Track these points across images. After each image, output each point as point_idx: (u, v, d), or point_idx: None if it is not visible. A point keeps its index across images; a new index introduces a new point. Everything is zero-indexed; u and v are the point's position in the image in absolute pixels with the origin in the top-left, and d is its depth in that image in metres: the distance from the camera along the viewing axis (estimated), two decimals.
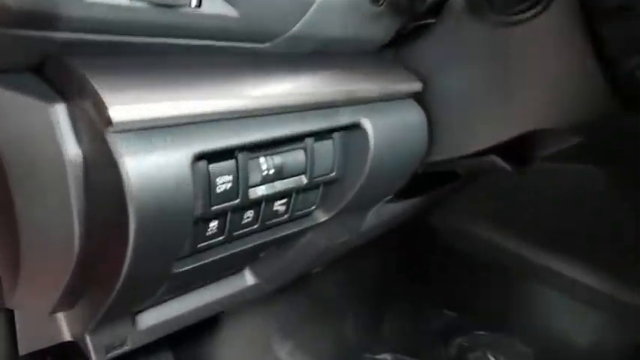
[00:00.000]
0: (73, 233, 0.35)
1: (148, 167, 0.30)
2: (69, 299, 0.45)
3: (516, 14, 0.41)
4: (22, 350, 0.53)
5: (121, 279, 0.36)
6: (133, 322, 0.52)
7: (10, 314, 0.53)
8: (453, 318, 1.07)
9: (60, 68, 0.32)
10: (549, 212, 0.87)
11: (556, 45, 0.42)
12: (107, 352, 0.52)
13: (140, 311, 0.53)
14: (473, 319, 1.04)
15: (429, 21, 0.50)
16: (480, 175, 0.73)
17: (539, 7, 0.40)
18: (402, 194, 0.58)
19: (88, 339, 0.49)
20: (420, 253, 1.11)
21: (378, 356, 1.09)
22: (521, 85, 0.45)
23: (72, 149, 0.32)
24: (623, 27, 0.37)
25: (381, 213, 0.59)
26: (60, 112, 0.32)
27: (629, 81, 0.39)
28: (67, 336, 0.52)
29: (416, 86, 0.49)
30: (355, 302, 1.15)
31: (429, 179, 0.64)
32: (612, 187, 0.70)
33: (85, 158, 0.32)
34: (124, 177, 0.29)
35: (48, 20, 0.28)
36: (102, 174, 0.32)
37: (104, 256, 0.36)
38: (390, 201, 0.58)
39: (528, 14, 0.40)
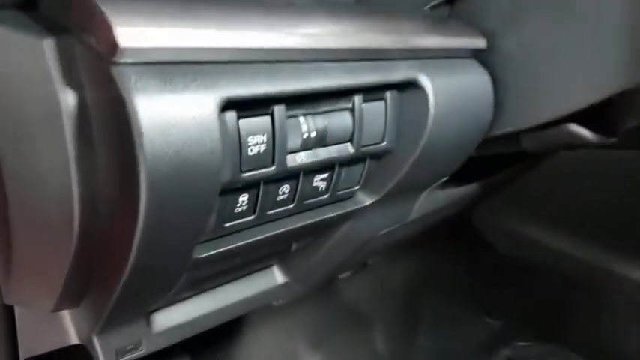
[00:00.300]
0: (72, 205, 0.28)
1: (165, 110, 0.23)
2: (73, 293, 0.39)
3: None
4: (24, 354, 0.47)
5: (131, 262, 0.29)
6: (148, 322, 0.46)
7: (10, 312, 0.47)
8: (497, 327, 0.99)
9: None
10: (609, 208, 0.78)
11: None
12: (118, 356, 0.45)
13: (156, 310, 0.46)
14: (519, 328, 0.96)
15: None
16: (541, 159, 0.65)
17: None
18: (454, 180, 0.51)
19: (95, 341, 0.43)
20: (461, 256, 1.03)
21: None
22: (608, 36, 0.37)
23: (69, 93, 0.25)
24: None
25: (431, 201, 0.52)
26: (54, 46, 0.25)
27: None
28: (73, 338, 0.46)
29: (479, 43, 0.41)
30: (389, 309, 1.08)
31: (482, 166, 0.56)
32: None
33: (85, 104, 0.25)
34: (134, 119, 0.22)
35: None
36: (107, 122, 0.25)
37: (111, 234, 0.30)
38: (443, 187, 0.51)
39: None
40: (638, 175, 0.72)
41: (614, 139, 0.43)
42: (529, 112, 0.42)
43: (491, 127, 0.44)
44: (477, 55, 0.42)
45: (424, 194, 0.49)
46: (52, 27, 0.27)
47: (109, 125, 0.25)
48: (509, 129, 0.44)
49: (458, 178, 0.51)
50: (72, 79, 0.26)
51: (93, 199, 0.28)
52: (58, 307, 0.40)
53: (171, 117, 0.24)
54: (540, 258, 0.88)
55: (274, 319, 0.96)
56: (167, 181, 0.25)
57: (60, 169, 0.27)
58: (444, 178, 0.48)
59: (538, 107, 0.41)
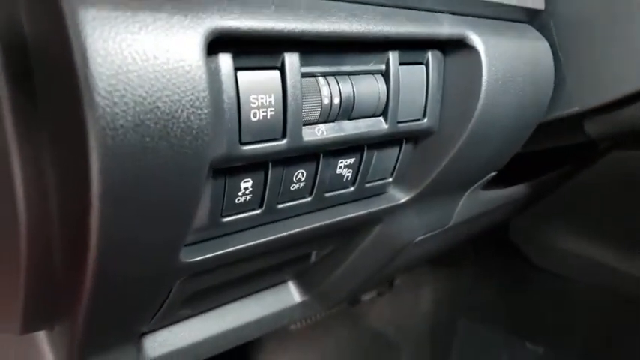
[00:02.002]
0: (15, 199, 0.21)
1: (127, 49, 0.16)
2: (39, 314, 0.32)
3: None
4: None
5: (92, 268, 0.21)
6: (139, 348, 0.38)
7: None
8: (538, 353, 0.88)
9: None
10: None
11: None
12: None
13: (148, 333, 0.38)
14: (563, 354, 0.86)
15: None
16: (597, 156, 0.56)
17: None
18: (499, 180, 0.43)
19: None
20: (498, 274, 0.92)
21: None
22: None
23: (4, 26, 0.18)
24: None
25: (475, 203, 0.44)
26: None
27: None
28: None
29: (537, 3, 0.34)
30: (417, 334, 0.98)
31: (528, 168, 0.48)
32: None
33: (22, 44, 0.19)
34: (81, 64, 0.15)
35: None
36: (49, 66, 0.18)
37: (65, 237, 0.22)
38: (487, 187, 0.42)
39: None
40: None
41: None
42: (594, 89, 0.34)
43: (550, 108, 0.36)
44: (533, 20, 0.35)
45: (467, 194, 0.41)
46: None
47: (54, 78, 0.18)
48: (572, 109, 0.36)
49: (503, 178, 0.43)
50: (9, 13, 0.19)
51: (39, 194, 0.21)
52: (26, 330, 0.33)
53: (135, 60, 0.17)
54: (587, 275, 0.78)
55: (292, 346, 0.87)
56: (129, 150, 0.17)
57: None
58: (493, 173, 0.39)
59: (602, 84, 0.33)
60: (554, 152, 0.49)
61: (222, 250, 0.26)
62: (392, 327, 0.98)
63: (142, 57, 0.17)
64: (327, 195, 0.30)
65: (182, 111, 0.18)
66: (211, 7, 0.19)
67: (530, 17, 0.35)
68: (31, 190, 0.21)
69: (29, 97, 0.19)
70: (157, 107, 0.18)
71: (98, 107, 0.16)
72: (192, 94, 0.18)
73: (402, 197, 0.35)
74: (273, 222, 0.29)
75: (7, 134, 0.20)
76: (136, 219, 0.20)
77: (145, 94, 0.17)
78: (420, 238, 0.41)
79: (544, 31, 0.35)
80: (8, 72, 0.19)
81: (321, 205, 0.31)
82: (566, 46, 0.35)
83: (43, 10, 0.17)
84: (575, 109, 0.36)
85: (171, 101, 0.18)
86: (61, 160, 0.20)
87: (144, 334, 0.38)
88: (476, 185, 0.41)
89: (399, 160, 0.32)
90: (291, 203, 0.28)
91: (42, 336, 0.37)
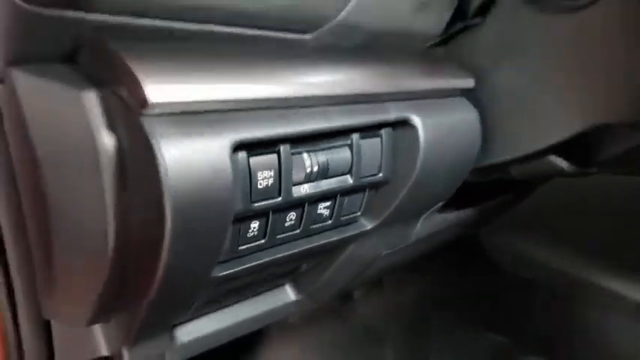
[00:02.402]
0: (107, 230, 0.33)
1: (186, 153, 0.28)
2: (105, 310, 0.43)
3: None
4: None
5: (158, 281, 0.34)
6: (171, 336, 0.50)
7: (47, 326, 0.52)
8: (500, 343, 1.01)
9: (94, 53, 0.31)
10: (610, 228, 0.80)
11: (622, 31, 0.39)
12: None
13: (178, 325, 0.51)
14: (522, 344, 0.98)
15: (476, 21, 0.48)
16: (536, 184, 0.68)
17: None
18: (452, 204, 0.55)
19: (125, 353, 0.47)
20: (466, 274, 1.05)
21: None
22: (582, 76, 0.41)
23: (106, 138, 0.30)
24: None
25: (430, 224, 0.56)
26: (92, 98, 0.30)
27: None
28: (103, 350, 0.50)
29: (468, 82, 0.46)
30: (396, 327, 1.10)
31: (481, 190, 0.60)
32: None
33: (119, 147, 0.31)
34: (160, 161, 0.27)
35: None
36: (137, 163, 0.30)
37: (141, 255, 0.35)
38: (440, 211, 0.55)
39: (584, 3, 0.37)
40: (635, 201, 0.75)
41: (594, 169, 0.47)
42: (513, 145, 0.46)
43: (480, 159, 0.48)
44: (466, 93, 0.47)
45: (422, 218, 0.54)
46: (90, 79, 0.32)
47: (139, 167, 0.30)
48: (496, 160, 0.48)
49: (457, 202, 0.55)
50: (108, 127, 0.31)
51: (125, 230, 0.33)
52: (91, 322, 0.44)
53: (190, 159, 0.29)
54: (543, 276, 0.91)
55: (291, 335, 1.00)
56: (188, 212, 0.29)
57: (98, 204, 0.32)
58: (440, 204, 0.52)
59: (521, 140, 0.46)
60: (500, 182, 0.61)
61: (239, 267, 0.39)
62: (377, 322, 1.10)
63: (196, 159, 0.29)
64: (312, 227, 0.42)
65: (219, 187, 0.30)
66: (233, 125, 0.31)
67: (464, 92, 0.47)
68: (119, 234, 0.33)
69: (122, 181, 0.32)
70: (204, 188, 0.30)
71: (171, 195, 0.28)
72: (226, 176, 0.30)
73: (369, 225, 0.47)
74: (273, 247, 0.41)
75: (107, 203, 0.32)
76: (190, 249, 0.32)
77: (198, 182, 0.29)
78: (385, 252, 0.54)
79: (475, 101, 0.47)
80: (110, 166, 0.31)
81: (308, 234, 0.43)
82: (491, 112, 0.47)
83: (135, 135, 0.29)
84: (501, 158, 0.48)
85: (212, 183, 0.30)
86: (142, 219, 0.32)
87: (175, 325, 0.51)
88: (429, 211, 0.53)
89: (364, 201, 0.44)
90: (286, 234, 0.41)
91: (97, 327, 0.50)
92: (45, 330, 0.50)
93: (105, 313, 0.44)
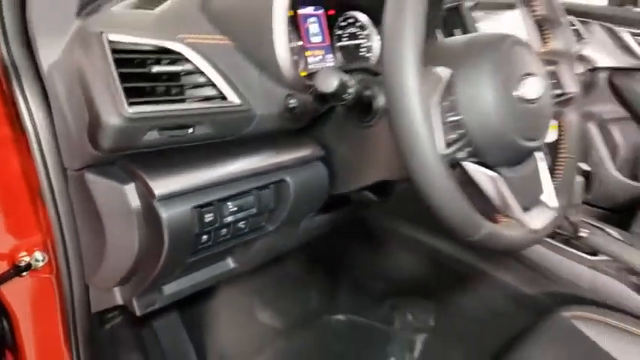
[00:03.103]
0: (133, 245, 0.70)
1: (173, 214, 0.65)
2: (125, 280, 0.80)
3: (367, 122, 0.76)
4: (93, 309, 0.86)
5: (159, 267, 0.72)
6: (160, 291, 0.87)
7: (86, 288, 0.87)
8: (385, 287, 1.42)
9: (126, 167, 0.67)
10: None
11: (389, 137, 0.77)
12: (145, 308, 0.86)
13: (164, 284, 0.89)
14: (397, 287, 1.41)
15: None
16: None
17: (375, 120, 0.75)
18: (323, 210, 0.95)
19: (134, 302, 0.83)
20: (364, 245, 1.49)
21: (333, 316, 1.46)
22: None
23: (137, 208, 0.67)
24: None
25: (311, 222, 0.96)
26: (129, 189, 0.67)
27: None
28: (120, 301, 0.86)
29: (321, 152, 0.84)
30: (318, 277, 1.49)
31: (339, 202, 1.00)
32: None
33: (143, 212, 0.67)
34: (163, 224, 0.65)
35: (124, 149, 0.63)
36: (150, 220, 0.67)
37: (150, 257, 0.72)
38: (315, 215, 0.94)
39: (372, 123, 0.75)
40: None
41: (386, 199, 0.87)
42: (346, 185, 0.85)
43: (331, 190, 0.87)
44: (321, 157, 0.85)
45: (305, 220, 0.93)
46: (126, 176, 0.68)
47: (152, 221, 0.67)
48: (340, 191, 0.87)
49: (325, 210, 0.94)
50: (139, 207, 0.67)
51: (144, 245, 0.70)
52: (116, 285, 0.82)
53: (176, 216, 0.66)
54: (410, 245, 1.35)
55: (237, 289, 1.37)
56: (175, 236, 0.67)
57: (130, 233, 0.69)
58: (311, 214, 0.91)
59: (350, 183, 0.85)
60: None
61: (200, 255, 0.77)
62: (304, 273, 1.49)
63: (176, 213, 0.67)
64: (236, 234, 0.80)
65: (188, 225, 0.68)
66: (195, 197, 0.69)
67: (320, 157, 0.85)
68: (140, 251, 0.71)
69: (145, 231, 0.69)
70: (183, 226, 0.67)
71: (167, 233, 0.66)
72: (191, 219, 0.68)
73: (270, 228, 0.84)
74: (216, 245, 0.79)
75: (134, 242, 0.70)
76: (176, 251, 0.69)
77: (179, 224, 0.67)
78: (284, 241, 0.93)
79: (327, 160, 0.86)
80: (139, 224, 0.69)
81: (235, 237, 0.81)
82: (336, 167, 0.86)
83: (150, 209, 0.66)
84: (341, 191, 0.87)
85: (186, 223, 0.68)
86: (152, 240, 0.69)
87: (162, 284, 0.88)
88: (308, 216, 0.93)
89: (266, 217, 0.82)
90: (222, 238, 0.78)
91: (117, 289, 0.83)
92: (86, 289, 0.83)
93: (123, 282, 0.81)
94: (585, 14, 1.71)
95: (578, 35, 1.70)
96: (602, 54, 1.74)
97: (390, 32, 0.53)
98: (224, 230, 0.76)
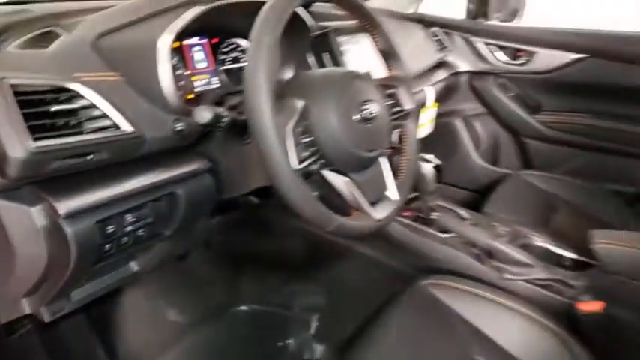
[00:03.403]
0: (42, 261, 0.80)
1: (78, 229, 0.76)
2: (33, 290, 0.89)
3: (244, 140, 0.92)
4: (2, 320, 0.93)
5: (67, 276, 0.82)
6: (68, 297, 0.97)
7: None
8: (282, 274, 1.59)
9: (32, 191, 0.77)
10: None
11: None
12: (54, 314, 0.95)
13: (72, 291, 0.98)
14: (292, 273, 1.59)
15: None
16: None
17: (251, 139, 0.90)
18: (216, 213, 1.09)
19: (43, 309, 0.92)
20: (262, 239, 1.62)
21: (237, 308, 1.60)
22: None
23: (44, 226, 0.77)
24: None
25: (206, 224, 1.09)
26: (36, 211, 0.76)
27: None
28: (28, 310, 0.94)
29: (207, 165, 0.98)
30: (221, 273, 1.61)
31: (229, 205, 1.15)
32: None
33: (50, 229, 0.77)
34: (69, 238, 0.75)
35: (31, 177, 0.73)
36: (57, 236, 0.77)
37: (58, 268, 0.82)
38: (210, 217, 1.08)
39: (248, 141, 0.91)
40: None
41: (268, 202, 1.03)
42: (235, 190, 1.00)
43: (221, 195, 1.01)
44: (209, 169, 0.99)
45: (199, 223, 1.07)
46: (33, 199, 0.77)
47: (58, 236, 0.77)
48: (228, 196, 1.02)
49: (217, 213, 1.08)
50: (46, 225, 0.77)
51: (53, 257, 0.80)
52: (24, 296, 0.91)
53: (81, 230, 0.77)
54: (303, 237, 1.52)
55: (144, 289, 1.46)
56: (81, 247, 0.77)
57: (39, 249, 0.79)
58: (205, 217, 1.05)
59: (237, 188, 1.00)
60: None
61: (103, 263, 0.88)
62: (208, 269, 1.61)
63: (82, 228, 0.78)
64: (138, 240, 0.92)
65: (92, 237, 0.80)
66: (97, 213, 0.80)
67: (207, 170, 0.99)
68: (51, 262, 0.80)
69: (55, 251, 0.79)
70: (87, 239, 0.78)
71: (74, 245, 0.77)
72: (94, 233, 0.79)
73: (168, 232, 0.97)
74: (119, 252, 0.91)
75: (44, 251, 0.79)
76: (82, 262, 0.80)
77: (84, 237, 0.78)
78: (184, 242, 1.06)
79: (213, 171, 1.00)
80: (48, 244, 0.79)
81: (136, 243, 0.93)
82: (223, 177, 1.00)
83: (56, 226, 0.77)
84: (228, 196, 1.02)
85: (90, 235, 0.79)
86: (59, 251, 0.80)
87: (71, 290, 0.98)
88: (201, 220, 1.06)
89: (163, 223, 0.95)
90: (124, 246, 0.90)
91: (24, 299, 0.94)
92: None
93: (32, 292, 0.90)
94: (447, 26, 1.97)
95: (442, 45, 1.95)
96: (462, 60, 2.02)
97: (249, 77, 0.69)
98: (125, 239, 0.88)
